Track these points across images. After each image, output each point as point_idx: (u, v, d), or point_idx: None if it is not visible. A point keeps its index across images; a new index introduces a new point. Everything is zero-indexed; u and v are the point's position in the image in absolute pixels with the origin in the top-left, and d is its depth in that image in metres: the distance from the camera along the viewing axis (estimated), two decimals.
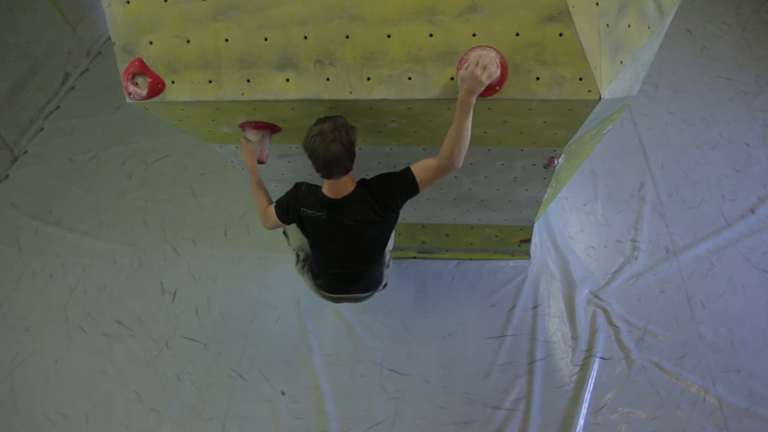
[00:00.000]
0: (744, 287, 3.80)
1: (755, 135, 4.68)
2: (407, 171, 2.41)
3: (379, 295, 3.97)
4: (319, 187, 2.55)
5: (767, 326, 3.60)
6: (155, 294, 4.26)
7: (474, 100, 2.11)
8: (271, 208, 2.71)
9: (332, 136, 2.27)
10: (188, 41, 2.28)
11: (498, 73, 2.10)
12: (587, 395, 3.43)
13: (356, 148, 2.37)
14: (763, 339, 3.56)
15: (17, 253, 4.69)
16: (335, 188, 2.48)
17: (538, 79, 2.11)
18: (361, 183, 2.52)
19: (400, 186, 2.44)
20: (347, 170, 2.40)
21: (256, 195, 2.77)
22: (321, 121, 2.32)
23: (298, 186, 2.63)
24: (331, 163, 2.32)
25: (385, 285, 3.09)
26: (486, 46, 2.10)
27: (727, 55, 5.43)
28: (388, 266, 3.02)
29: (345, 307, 3.97)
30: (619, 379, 3.48)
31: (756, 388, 3.36)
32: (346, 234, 2.57)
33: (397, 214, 2.57)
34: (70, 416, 3.71)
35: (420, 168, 2.39)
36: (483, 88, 2.08)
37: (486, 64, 2.04)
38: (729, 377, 3.42)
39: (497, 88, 2.15)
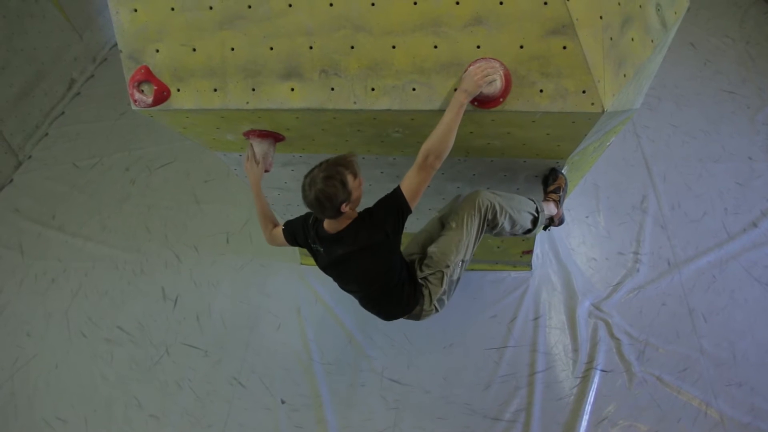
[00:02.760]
0: (746, 301, 3.79)
1: (758, 149, 4.68)
2: (396, 190, 2.37)
3: None
4: (322, 221, 2.52)
5: None
6: (156, 300, 4.26)
7: (466, 101, 2.13)
8: (278, 231, 2.73)
9: (312, 184, 2.28)
10: (194, 49, 2.30)
11: (500, 84, 2.11)
12: (588, 408, 3.42)
13: (344, 194, 2.30)
14: (766, 353, 3.54)
15: (20, 257, 4.70)
16: (332, 224, 2.46)
17: (541, 91, 2.12)
18: (360, 214, 2.47)
19: (391, 207, 2.38)
20: (333, 215, 2.36)
21: (261, 219, 2.79)
22: (321, 163, 2.33)
23: (306, 218, 2.61)
24: (312, 208, 2.35)
25: (432, 310, 2.74)
26: (490, 58, 2.12)
27: (731, 68, 5.44)
28: (437, 291, 2.68)
29: (346, 315, 3.97)
30: (620, 392, 3.47)
31: (758, 402, 3.35)
32: (342, 265, 2.55)
33: (391, 239, 2.43)
34: (70, 421, 3.71)
35: (406, 182, 2.34)
36: (478, 91, 2.10)
37: (487, 72, 2.07)
38: (731, 391, 3.41)
39: (501, 99, 2.16)
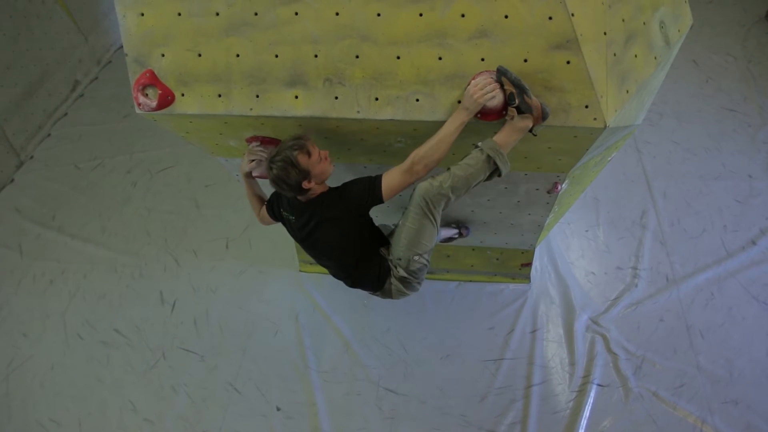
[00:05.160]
0: (744, 318, 3.79)
1: (758, 167, 4.70)
2: (376, 179, 2.42)
3: (377, 313, 4.00)
4: None
5: (766, 358, 3.59)
6: (154, 304, 4.26)
7: (467, 119, 2.16)
8: (264, 210, 2.90)
9: (269, 169, 2.44)
10: (200, 55, 2.31)
11: (502, 97, 2.13)
12: (583, 422, 3.41)
13: (299, 174, 2.39)
14: (762, 371, 3.54)
15: (18, 258, 4.70)
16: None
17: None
18: (331, 188, 2.58)
19: (363, 192, 2.44)
20: (296, 192, 2.48)
21: (251, 199, 2.95)
22: (277, 146, 2.47)
23: None
24: (276, 189, 2.51)
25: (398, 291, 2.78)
26: (493, 71, 2.13)
27: (732, 86, 5.46)
28: (399, 272, 2.67)
29: (343, 324, 3.96)
30: (616, 407, 3.46)
31: (754, 421, 3.34)
32: (311, 234, 2.66)
33: (354, 217, 2.55)
34: (64, 424, 3.69)
35: (388, 177, 2.39)
36: (478, 108, 2.12)
37: (486, 88, 2.09)
38: (727, 409, 3.40)
39: (503, 112, 2.17)
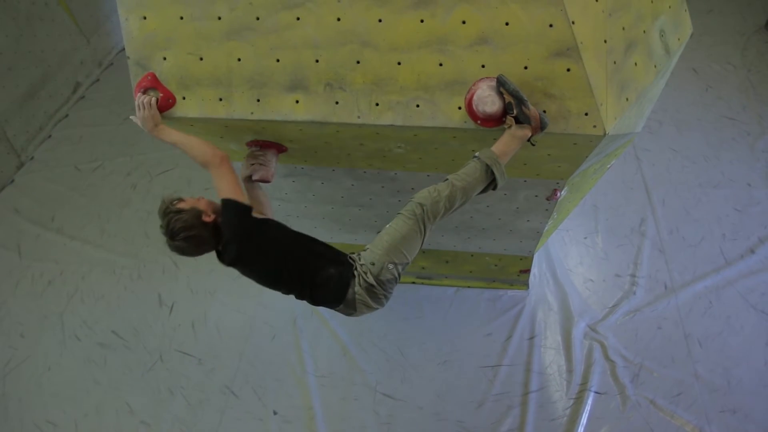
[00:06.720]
0: (742, 327, 3.79)
1: (757, 175, 4.71)
2: (225, 201, 2.55)
3: (375, 318, 3.99)
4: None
5: (764, 368, 3.59)
6: (152, 306, 4.25)
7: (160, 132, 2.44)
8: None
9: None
10: (201, 59, 2.32)
11: (501, 104, 2.13)
12: (580, 429, 3.41)
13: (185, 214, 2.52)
14: (760, 380, 3.54)
15: (17, 258, 4.69)
16: None
17: (544, 112, 2.14)
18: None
19: (232, 220, 2.53)
20: (207, 236, 2.56)
21: (250, 204, 2.82)
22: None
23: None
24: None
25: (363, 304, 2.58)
26: (494, 78, 2.14)
27: (732, 95, 5.48)
28: (375, 285, 2.47)
29: (341, 328, 3.96)
30: (614, 415, 3.46)
31: (752, 430, 3.34)
32: (239, 265, 2.62)
33: (257, 235, 2.50)
34: (60, 425, 3.68)
35: (221, 188, 2.60)
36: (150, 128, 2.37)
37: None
38: (724, 418, 3.40)
39: (503, 119, 2.18)
